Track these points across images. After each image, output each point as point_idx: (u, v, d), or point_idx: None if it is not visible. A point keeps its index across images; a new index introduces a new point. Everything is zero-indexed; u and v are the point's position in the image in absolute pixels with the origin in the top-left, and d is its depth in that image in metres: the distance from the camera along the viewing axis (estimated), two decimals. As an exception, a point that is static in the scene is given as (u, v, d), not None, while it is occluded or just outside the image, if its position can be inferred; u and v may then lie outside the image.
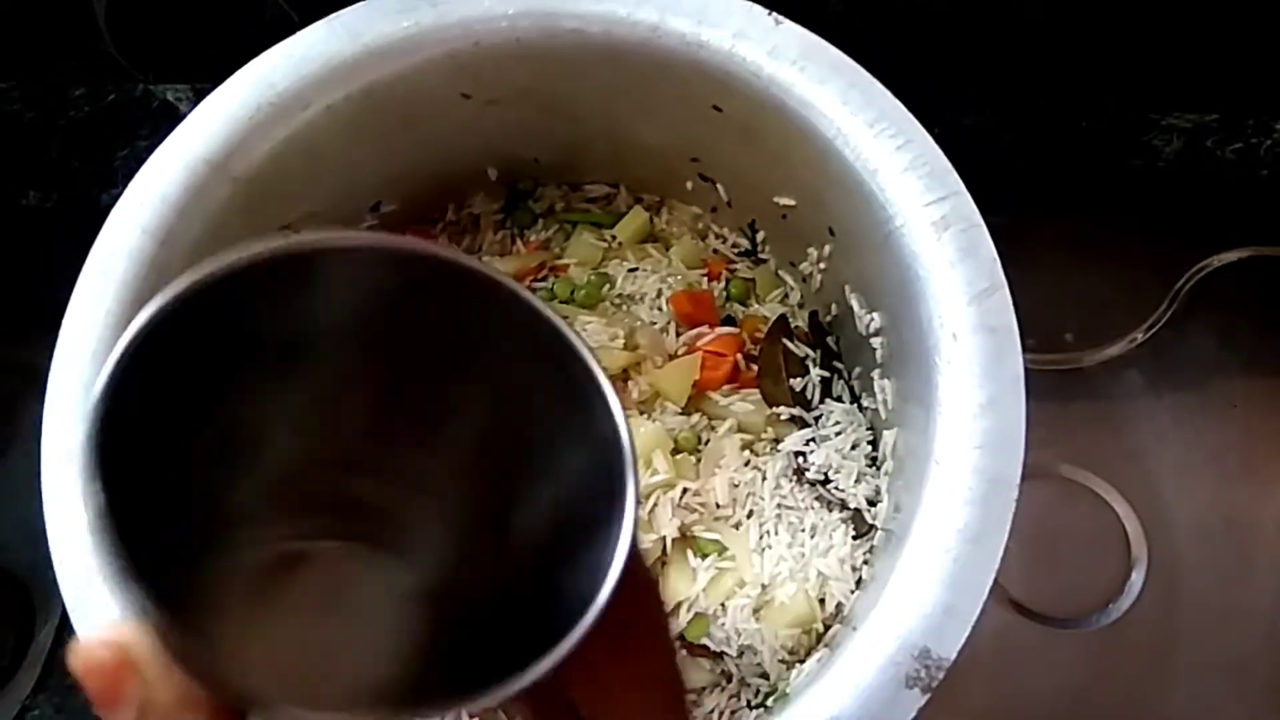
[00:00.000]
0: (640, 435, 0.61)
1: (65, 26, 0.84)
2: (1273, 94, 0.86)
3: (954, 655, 0.46)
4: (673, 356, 0.66)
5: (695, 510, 0.61)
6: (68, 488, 0.49)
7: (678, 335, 0.67)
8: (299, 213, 0.61)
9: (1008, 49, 0.82)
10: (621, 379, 0.65)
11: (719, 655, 0.61)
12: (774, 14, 0.55)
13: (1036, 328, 0.79)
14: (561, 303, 0.67)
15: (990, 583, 0.47)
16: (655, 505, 0.60)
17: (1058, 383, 0.79)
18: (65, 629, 0.73)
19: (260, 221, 0.59)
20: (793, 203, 0.63)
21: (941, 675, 0.46)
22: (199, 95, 0.57)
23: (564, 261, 0.70)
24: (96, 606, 0.47)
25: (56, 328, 0.52)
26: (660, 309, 0.68)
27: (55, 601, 0.73)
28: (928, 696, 0.46)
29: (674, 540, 0.60)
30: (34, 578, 0.74)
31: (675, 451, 0.63)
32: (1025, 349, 0.79)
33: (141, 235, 0.53)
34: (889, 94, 0.54)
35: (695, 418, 0.65)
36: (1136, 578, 0.73)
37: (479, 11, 0.56)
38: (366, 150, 0.61)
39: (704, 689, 0.61)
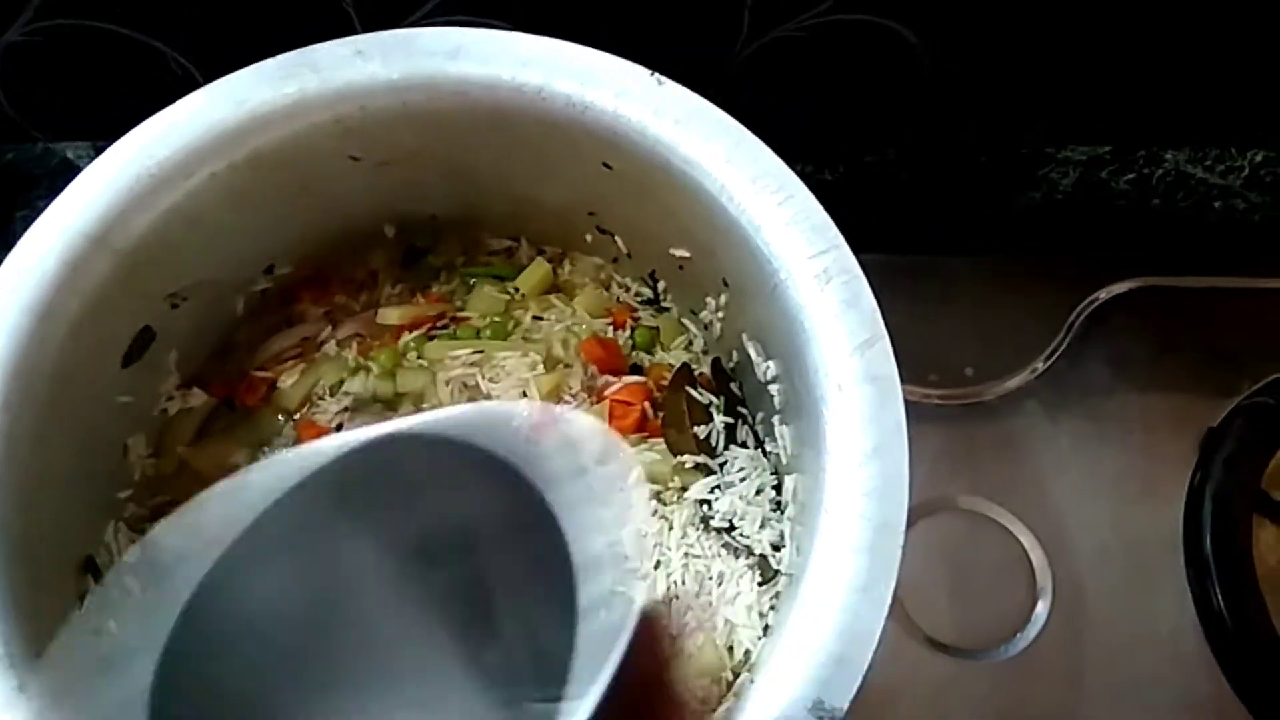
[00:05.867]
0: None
1: (-41, 85, 0.82)
2: (1162, 124, 0.89)
3: (846, 705, 0.46)
4: (588, 389, 0.67)
5: (603, 564, 0.61)
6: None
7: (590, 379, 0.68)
8: (187, 281, 0.60)
9: (906, 87, 0.84)
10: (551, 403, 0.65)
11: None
12: (656, 75, 0.56)
13: (937, 363, 0.81)
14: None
15: (880, 630, 0.47)
16: None
17: (960, 416, 0.80)
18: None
19: (144, 293, 0.58)
20: (688, 254, 0.64)
21: (835, 726, 0.46)
22: (100, 153, 0.56)
23: (465, 314, 0.70)
24: None
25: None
26: (571, 351, 0.69)
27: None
28: (822, 747, 0.46)
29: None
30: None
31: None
32: (927, 384, 0.81)
33: (18, 312, 0.52)
34: (771, 152, 0.55)
35: (608, 468, 0.65)
36: (1043, 606, 0.75)
37: (363, 77, 0.56)
38: (256, 216, 0.61)
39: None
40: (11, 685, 0.47)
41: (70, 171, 0.92)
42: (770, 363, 0.61)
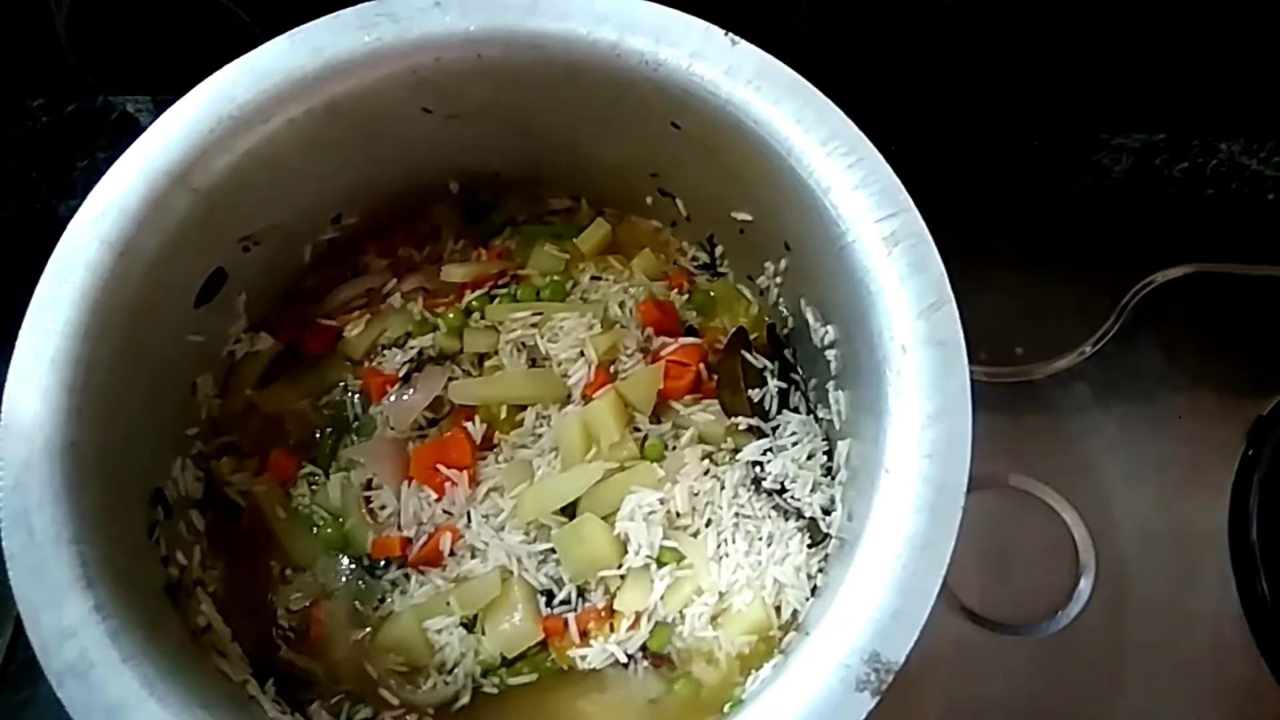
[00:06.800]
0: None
1: (25, 36, 0.83)
2: (1218, 114, 0.89)
3: (903, 658, 0.47)
4: (643, 350, 0.68)
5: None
6: (26, 492, 0.49)
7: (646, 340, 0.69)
8: (259, 225, 0.61)
9: (963, 69, 0.84)
10: (607, 362, 0.66)
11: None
12: (730, 34, 0.57)
13: (988, 341, 0.81)
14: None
15: (938, 588, 0.48)
16: (630, 518, 0.61)
17: (1009, 395, 0.80)
18: (16, 646, 0.72)
19: (219, 234, 0.59)
20: (749, 218, 0.64)
21: (891, 678, 0.47)
22: (160, 106, 0.56)
23: (525, 272, 0.71)
24: (50, 609, 0.48)
25: (12, 339, 0.52)
26: (628, 312, 0.69)
27: (4, 619, 0.72)
28: (878, 699, 0.47)
29: (638, 550, 0.61)
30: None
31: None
32: (977, 362, 0.81)
33: (100, 246, 0.53)
34: (841, 113, 0.55)
35: (666, 426, 0.66)
36: (1085, 585, 0.75)
37: (440, 28, 0.57)
38: (328, 163, 0.62)
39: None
40: (89, 605, 0.48)
41: (130, 124, 0.93)
42: (829, 328, 0.62)
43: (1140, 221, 0.88)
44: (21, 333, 0.52)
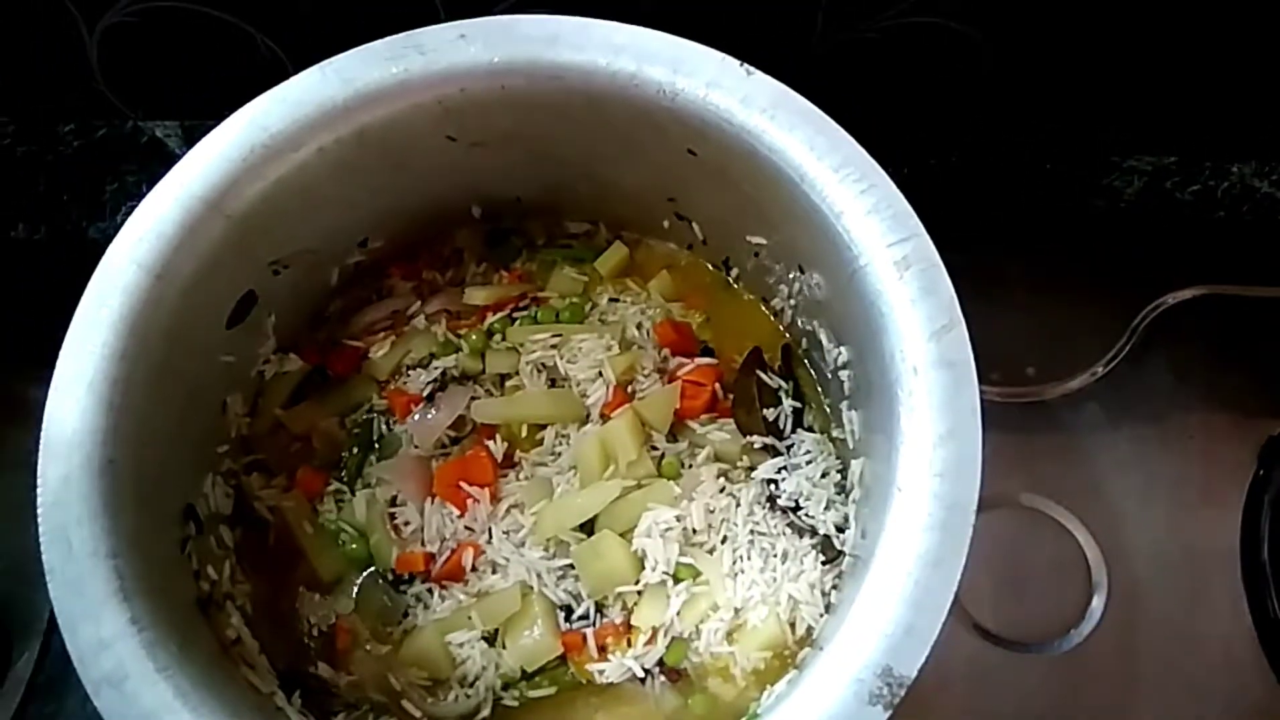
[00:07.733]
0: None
1: (57, 62, 0.86)
2: (1229, 137, 0.90)
3: (915, 673, 0.48)
4: (660, 370, 0.69)
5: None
6: (65, 508, 0.51)
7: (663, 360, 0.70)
8: (289, 249, 0.63)
9: (975, 93, 0.85)
10: (625, 383, 0.68)
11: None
12: (745, 65, 0.58)
13: (1000, 362, 0.82)
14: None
15: (949, 603, 0.49)
16: (647, 535, 0.63)
17: (1020, 415, 0.81)
18: (44, 658, 0.74)
19: (251, 258, 0.61)
20: (764, 241, 0.66)
21: (903, 692, 0.48)
22: (188, 132, 0.58)
23: (545, 294, 0.72)
24: (88, 620, 0.49)
25: (44, 359, 0.54)
26: (645, 333, 0.71)
27: (33, 632, 0.74)
28: (890, 713, 0.48)
29: (655, 566, 0.63)
30: (12, 609, 0.74)
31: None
32: (989, 383, 0.82)
33: (137, 270, 0.55)
34: (853, 141, 0.57)
35: (682, 445, 0.67)
36: (1098, 603, 0.76)
37: (465, 60, 0.59)
38: (356, 190, 0.64)
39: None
40: (126, 617, 0.50)
41: (159, 149, 0.96)
42: (842, 349, 0.63)
43: (1151, 243, 0.89)
44: (62, 354, 0.54)
